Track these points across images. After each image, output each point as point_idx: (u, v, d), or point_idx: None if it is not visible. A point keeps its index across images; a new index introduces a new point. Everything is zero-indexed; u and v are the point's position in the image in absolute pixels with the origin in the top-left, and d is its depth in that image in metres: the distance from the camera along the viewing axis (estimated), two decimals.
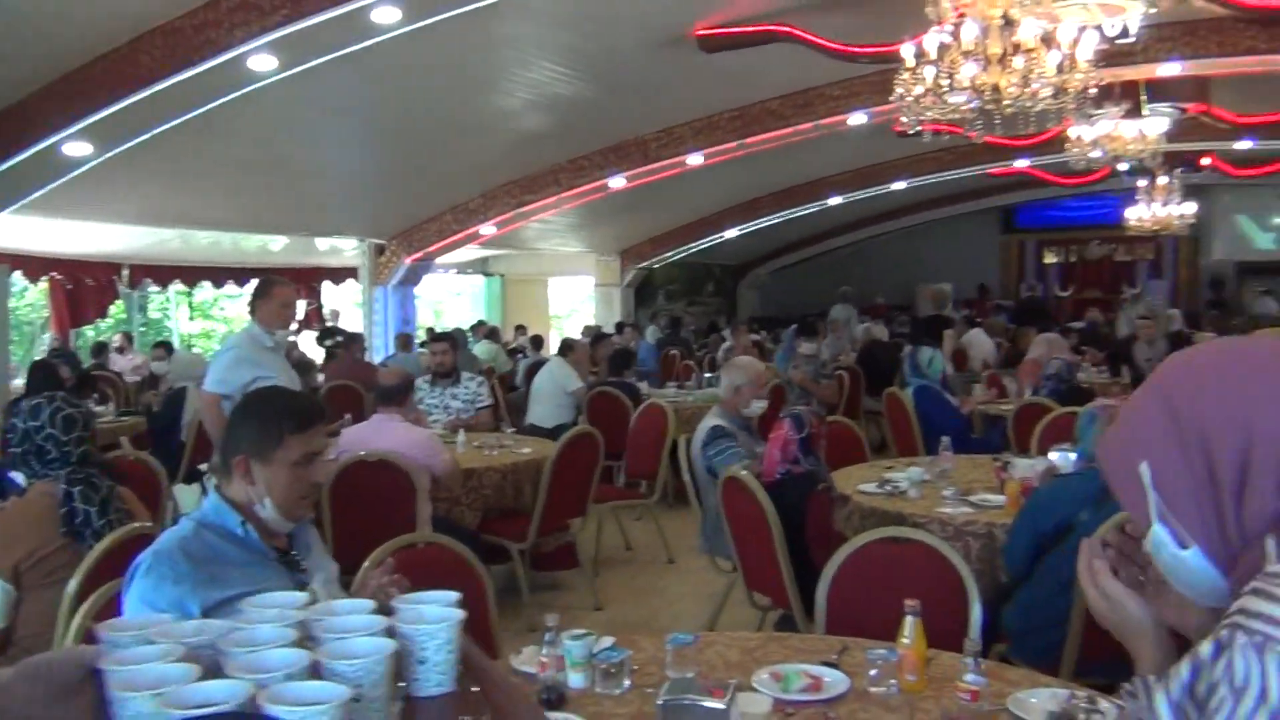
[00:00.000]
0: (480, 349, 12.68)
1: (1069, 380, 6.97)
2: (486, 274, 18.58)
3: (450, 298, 19.58)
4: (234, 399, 4.50)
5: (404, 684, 1.67)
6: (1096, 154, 9.64)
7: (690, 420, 8.32)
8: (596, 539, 6.68)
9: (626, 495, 6.90)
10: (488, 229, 12.03)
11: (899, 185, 15.17)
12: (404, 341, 11.39)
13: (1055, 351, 7.48)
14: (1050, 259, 22.99)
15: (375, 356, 12.13)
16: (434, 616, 1.72)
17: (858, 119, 9.60)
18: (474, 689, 1.79)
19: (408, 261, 12.54)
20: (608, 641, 2.50)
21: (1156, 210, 13.90)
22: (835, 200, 15.78)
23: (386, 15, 5.98)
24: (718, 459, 4.76)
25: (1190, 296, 21.46)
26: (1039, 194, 19.22)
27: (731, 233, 16.87)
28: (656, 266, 17.90)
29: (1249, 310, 19.04)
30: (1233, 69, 9.02)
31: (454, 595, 1.81)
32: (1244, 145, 13.41)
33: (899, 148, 13.01)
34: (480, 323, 15.18)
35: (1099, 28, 5.64)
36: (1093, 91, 4.67)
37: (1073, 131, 9.42)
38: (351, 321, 14.62)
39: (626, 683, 2.37)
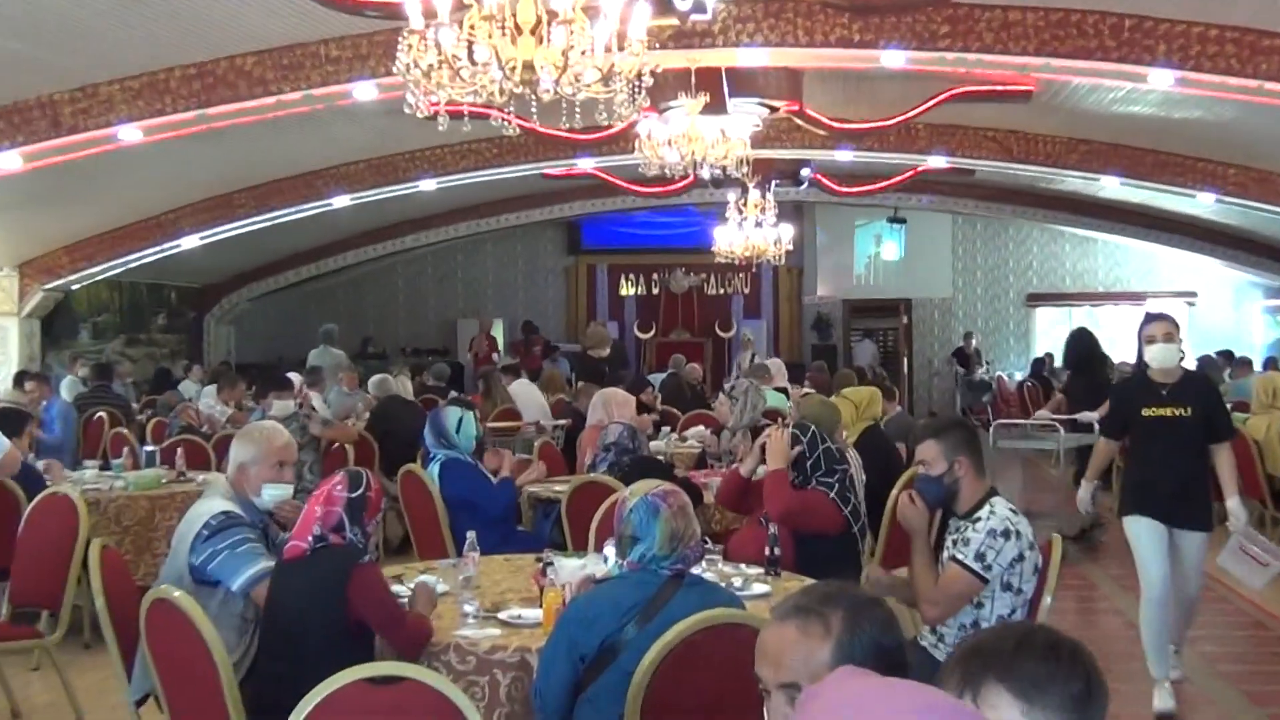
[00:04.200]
0: None
1: (634, 450, 7.26)
2: None
3: None
4: None
5: None
6: (672, 156, 10.42)
7: (118, 517, 7.94)
8: None
9: (13, 634, 6.40)
10: None
11: (428, 184, 15.50)
12: None
13: (617, 412, 7.84)
14: (627, 290, 24.57)
15: None
16: None
17: (366, 91, 9.65)
18: None
19: None
20: None
21: (749, 232, 15.35)
22: (342, 200, 15.79)
23: None
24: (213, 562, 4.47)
25: (792, 342, 23.68)
26: (610, 204, 20.41)
27: (192, 240, 16.34)
28: (77, 287, 16.90)
29: (853, 360, 21.14)
30: (823, 62, 10.18)
31: None
32: (845, 156, 15.18)
33: (425, 134, 13.30)
34: None
35: None
36: (648, 80, 5.03)
37: (642, 128, 10.14)
38: None
39: None
